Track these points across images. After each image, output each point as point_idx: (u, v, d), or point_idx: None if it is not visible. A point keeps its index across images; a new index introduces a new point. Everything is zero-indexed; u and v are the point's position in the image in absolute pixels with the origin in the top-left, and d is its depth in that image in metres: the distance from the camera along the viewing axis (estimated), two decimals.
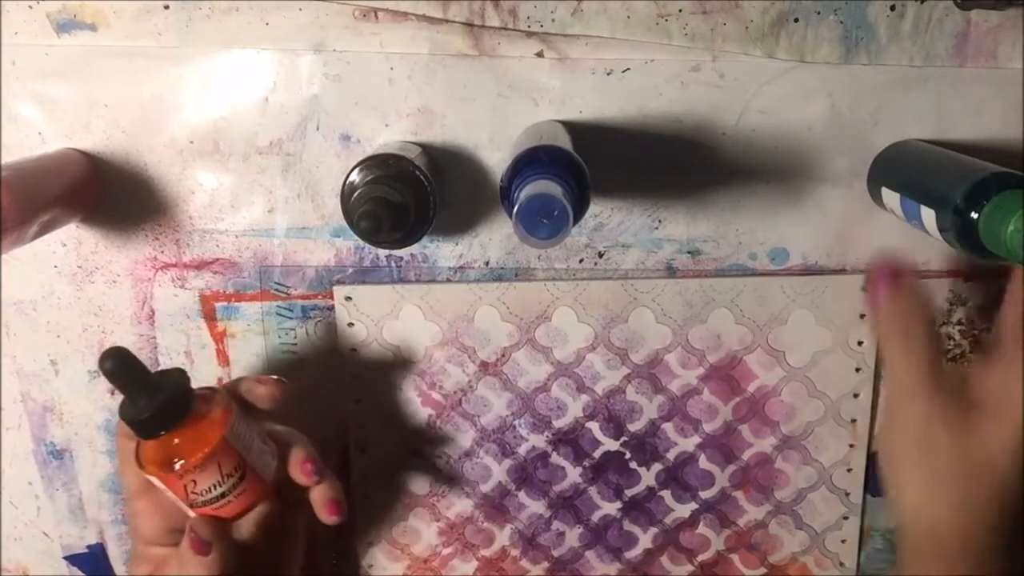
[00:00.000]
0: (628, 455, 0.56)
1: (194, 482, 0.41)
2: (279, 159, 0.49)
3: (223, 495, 0.41)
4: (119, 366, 0.39)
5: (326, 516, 0.44)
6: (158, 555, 0.44)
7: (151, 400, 0.40)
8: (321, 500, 0.44)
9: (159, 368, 0.53)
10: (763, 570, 0.59)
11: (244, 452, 0.42)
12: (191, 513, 0.42)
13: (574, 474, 0.56)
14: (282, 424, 0.47)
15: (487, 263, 0.52)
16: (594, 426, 0.55)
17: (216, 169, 0.49)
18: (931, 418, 0.41)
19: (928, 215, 0.43)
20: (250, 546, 0.46)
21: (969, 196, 0.40)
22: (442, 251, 0.51)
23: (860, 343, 0.54)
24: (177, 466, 0.40)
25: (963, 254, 0.46)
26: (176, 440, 0.40)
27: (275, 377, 0.46)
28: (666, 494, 0.57)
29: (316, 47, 0.47)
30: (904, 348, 0.42)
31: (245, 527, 0.46)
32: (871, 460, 0.56)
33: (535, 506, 0.57)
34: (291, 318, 0.52)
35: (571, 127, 0.48)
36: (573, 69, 0.48)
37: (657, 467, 0.56)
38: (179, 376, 0.42)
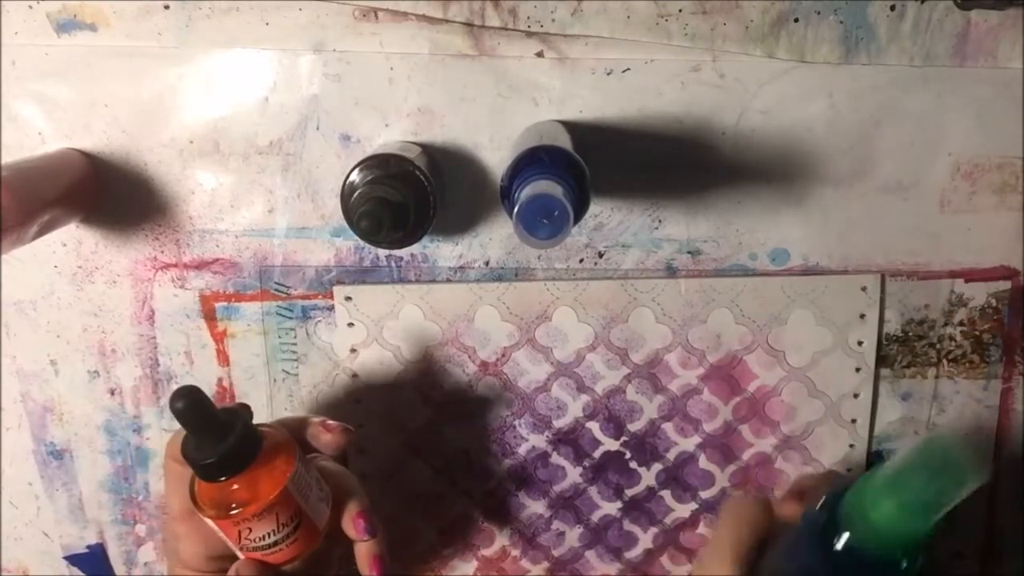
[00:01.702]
0: (628, 455, 0.56)
1: (249, 529, 0.39)
2: (279, 159, 0.49)
3: (276, 543, 0.40)
4: (190, 407, 0.38)
5: (368, 572, 0.44)
6: None
7: (217, 444, 0.38)
8: (367, 555, 0.44)
9: (162, 368, 0.53)
10: None
11: (302, 502, 0.41)
12: (240, 555, 0.41)
13: (574, 474, 0.56)
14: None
15: (487, 263, 0.52)
16: (594, 426, 0.55)
17: (216, 169, 0.49)
18: None
19: None
20: (286, 573, 0.45)
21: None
22: (442, 251, 0.51)
23: (860, 343, 0.54)
24: (234, 512, 0.39)
25: None
26: (236, 486, 0.39)
27: (342, 425, 0.45)
28: (666, 494, 0.57)
29: (316, 47, 0.47)
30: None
31: None
32: (871, 460, 0.56)
33: (535, 506, 0.57)
34: (291, 318, 0.52)
35: (571, 127, 0.48)
36: (573, 69, 0.48)
37: (657, 467, 0.56)
38: (246, 417, 0.40)
